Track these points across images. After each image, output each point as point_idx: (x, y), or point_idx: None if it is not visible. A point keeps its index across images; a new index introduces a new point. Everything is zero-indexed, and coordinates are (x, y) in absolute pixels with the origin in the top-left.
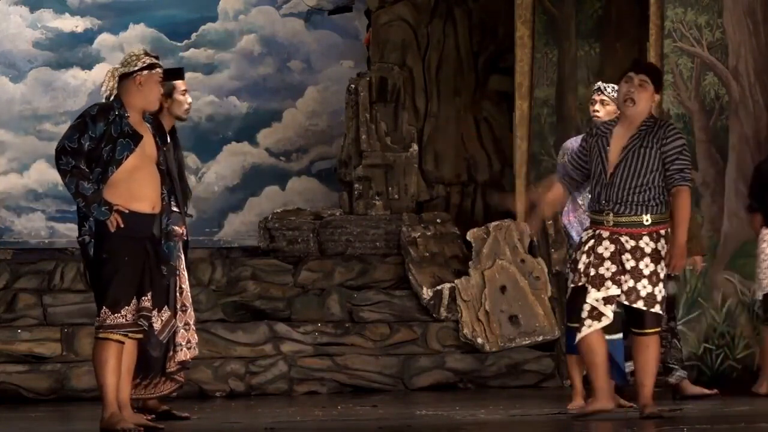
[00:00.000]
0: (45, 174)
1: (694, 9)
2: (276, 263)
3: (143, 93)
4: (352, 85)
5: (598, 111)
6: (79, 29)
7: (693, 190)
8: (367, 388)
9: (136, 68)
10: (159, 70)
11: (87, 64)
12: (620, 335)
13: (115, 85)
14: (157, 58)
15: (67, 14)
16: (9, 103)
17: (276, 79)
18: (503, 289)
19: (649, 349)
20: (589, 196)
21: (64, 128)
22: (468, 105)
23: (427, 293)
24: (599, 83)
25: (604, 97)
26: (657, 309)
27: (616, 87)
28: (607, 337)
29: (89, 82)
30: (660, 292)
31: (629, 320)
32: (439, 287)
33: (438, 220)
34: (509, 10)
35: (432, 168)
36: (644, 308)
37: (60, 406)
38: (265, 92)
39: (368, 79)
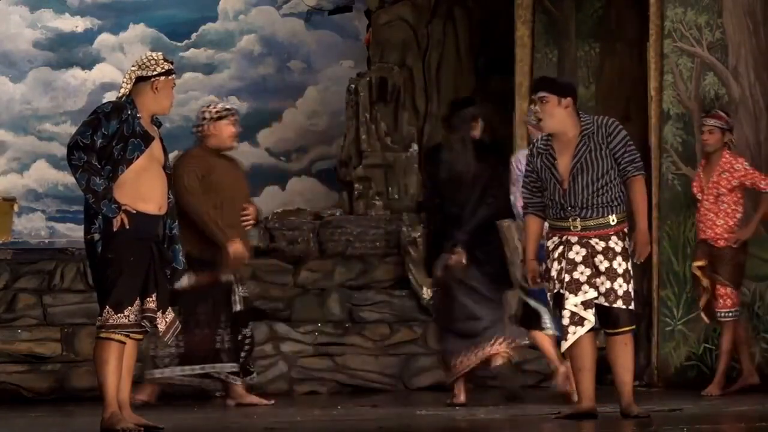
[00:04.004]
0: (45, 174)
1: (694, 9)
2: (276, 263)
3: (158, 98)
4: (352, 85)
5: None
6: (79, 29)
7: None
8: (367, 388)
9: (155, 73)
10: (174, 76)
11: (87, 64)
12: None
13: (130, 87)
14: (172, 63)
15: (67, 14)
16: (9, 103)
17: (276, 79)
18: None
19: (627, 347)
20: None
21: (64, 128)
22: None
23: (427, 293)
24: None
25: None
26: (632, 306)
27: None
28: None
29: (89, 82)
30: (632, 289)
31: (602, 323)
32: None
33: None
34: (509, 10)
35: None
36: (623, 306)
37: (60, 406)
38: (265, 92)
39: (368, 79)
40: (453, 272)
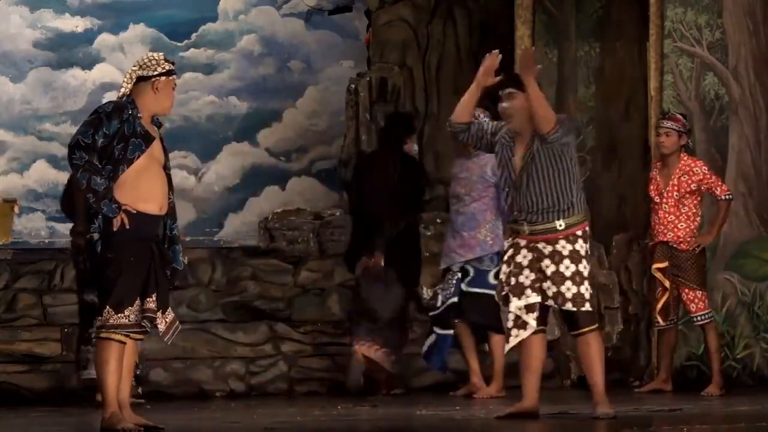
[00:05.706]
0: (45, 174)
1: (694, 9)
2: (276, 263)
3: (159, 98)
4: (352, 85)
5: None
6: (79, 29)
7: None
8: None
9: (155, 73)
10: (175, 77)
11: (87, 64)
12: (450, 331)
13: (131, 87)
14: (173, 64)
15: (67, 14)
16: (9, 103)
17: (276, 79)
18: None
19: (591, 347)
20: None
21: (64, 128)
22: None
23: (427, 293)
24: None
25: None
26: (587, 307)
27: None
28: (440, 331)
29: (89, 82)
30: (587, 290)
31: (567, 325)
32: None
33: (438, 220)
34: (509, 10)
35: (432, 168)
36: (574, 309)
37: (60, 406)
38: (265, 92)
39: (368, 79)
40: (370, 273)
